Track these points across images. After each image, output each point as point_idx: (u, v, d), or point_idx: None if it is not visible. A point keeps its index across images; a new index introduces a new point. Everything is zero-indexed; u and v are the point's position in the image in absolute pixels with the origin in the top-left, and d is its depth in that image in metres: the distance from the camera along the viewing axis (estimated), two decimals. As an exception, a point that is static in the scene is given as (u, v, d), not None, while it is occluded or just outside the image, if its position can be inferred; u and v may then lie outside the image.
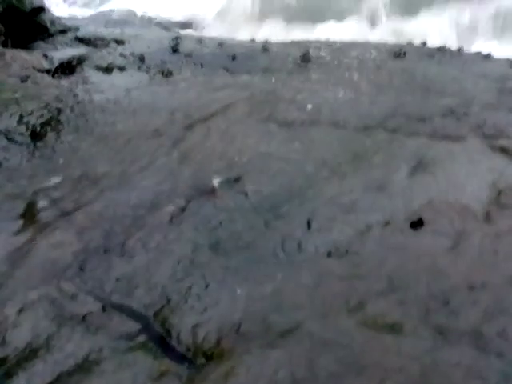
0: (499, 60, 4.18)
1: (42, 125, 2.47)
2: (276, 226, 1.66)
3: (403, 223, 1.60)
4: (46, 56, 3.71)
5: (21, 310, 1.35)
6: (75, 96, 2.88)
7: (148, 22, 6.57)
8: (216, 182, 1.87)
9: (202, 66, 3.86)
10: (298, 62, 3.80)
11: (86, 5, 8.20)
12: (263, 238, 1.60)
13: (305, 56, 3.89)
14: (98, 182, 1.91)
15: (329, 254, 1.51)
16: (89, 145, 2.24)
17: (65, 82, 3.31)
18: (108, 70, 3.75)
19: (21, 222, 1.67)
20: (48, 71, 3.45)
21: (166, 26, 6.21)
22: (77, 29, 4.85)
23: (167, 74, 3.53)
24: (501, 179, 1.74)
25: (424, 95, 3.16)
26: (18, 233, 1.62)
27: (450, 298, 1.33)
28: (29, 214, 1.72)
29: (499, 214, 1.60)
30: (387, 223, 1.60)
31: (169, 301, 1.39)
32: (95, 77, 3.56)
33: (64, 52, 4.00)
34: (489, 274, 1.40)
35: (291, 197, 1.79)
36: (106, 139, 2.27)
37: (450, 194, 1.69)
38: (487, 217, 1.59)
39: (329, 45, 4.53)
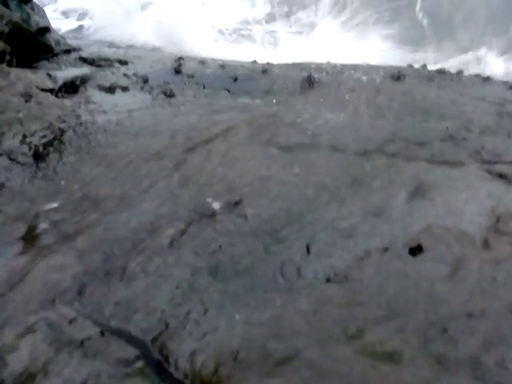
0: (498, 83, 4.24)
1: (45, 145, 2.50)
2: (275, 250, 1.66)
3: (402, 249, 1.60)
4: (49, 75, 3.76)
5: (19, 334, 1.35)
6: (78, 116, 2.91)
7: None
8: (216, 205, 1.89)
9: (204, 86, 3.91)
10: (299, 84, 3.85)
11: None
12: (262, 262, 1.60)
13: (305, 78, 3.94)
14: (99, 204, 1.92)
15: (328, 280, 1.51)
16: (90, 166, 2.26)
17: (68, 101, 3.36)
18: (111, 90, 3.81)
19: (21, 244, 1.68)
20: (52, 91, 3.49)
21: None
22: (81, 49, 4.94)
23: (170, 94, 3.58)
24: (499, 205, 1.75)
25: (424, 118, 3.20)
26: (18, 256, 1.63)
27: (448, 325, 1.33)
28: (29, 237, 1.73)
29: (498, 241, 1.60)
30: (386, 249, 1.61)
31: (167, 326, 1.38)
32: (98, 97, 3.61)
33: (68, 72, 4.06)
34: (487, 301, 1.40)
35: (291, 221, 1.80)
36: (108, 161, 2.29)
37: (449, 220, 1.70)
38: (486, 243, 1.60)
39: (329, 67, 4.60)
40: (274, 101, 3.52)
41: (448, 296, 1.42)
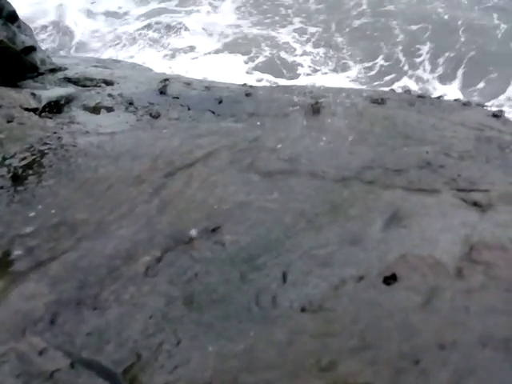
0: (477, 108, 4.33)
1: (24, 168, 2.48)
2: (252, 278, 1.66)
3: (377, 278, 1.61)
4: (34, 95, 3.75)
5: (-14, 366, 1.32)
6: (59, 138, 2.90)
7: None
8: (194, 231, 1.88)
9: (188, 108, 3.93)
10: (282, 107, 3.89)
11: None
12: (238, 291, 1.60)
13: (288, 101, 3.98)
14: (76, 230, 1.91)
15: (303, 310, 1.51)
16: (69, 190, 2.24)
17: (51, 122, 3.34)
18: (96, 110, 3.81)
19: (-6, 271, 1.66)
20: (35, 110, 3.48)
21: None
22: (67, 68, 4.95)
23: (155, 115, 3.59)
24: (473, 234, 1.77)
25: (404, 143, 3.25)
26: (-11, 284, 1.60)
27: (420, 357, 1.33)
28: (2, 263, 1.71)
29: (471, 270, 1.62)
30: (361, 278, 1.62)
31: (139, 357, 1.37)
32: (82, 117, 3.61)
33: (52, 91, 4.05)
34: (459, 332, 1.41)
35: (268, 248, 1.80)
36: (87, 185, 2.28)
37: (424, 249, 1.72)
38: (459, 272, 1.62)
39: (313, 90, 4.66)
40: (258, 123, 3.55)
41: (421, 326, 1.43)
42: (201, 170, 2.31)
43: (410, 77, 7.87)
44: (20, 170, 2.44)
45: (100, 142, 2.78)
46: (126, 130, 3.11)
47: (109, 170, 2.40)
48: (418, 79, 7.90)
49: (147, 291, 1.58)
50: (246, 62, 8.69)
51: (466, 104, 4.31)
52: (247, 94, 4.25)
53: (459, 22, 8.80)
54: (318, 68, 8.26)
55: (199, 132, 2.87)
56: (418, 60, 8.14)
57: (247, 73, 8.35)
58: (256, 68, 8.50)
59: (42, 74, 4.52)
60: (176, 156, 2.47)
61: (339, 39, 8.56)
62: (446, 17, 8.82)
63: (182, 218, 1.96)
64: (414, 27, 8.75)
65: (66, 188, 2.27)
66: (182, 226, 1.91)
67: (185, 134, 2.84)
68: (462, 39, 8.55)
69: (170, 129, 3.01)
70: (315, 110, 3.85)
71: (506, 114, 4.00)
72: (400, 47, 8.31)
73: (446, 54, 8.17)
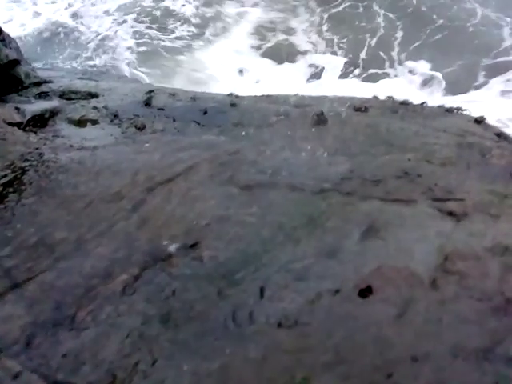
0: (460, 114, 4.38)
1: (4, 186, 2.47)
2: (229, 294, 1.67)
3: (352, 291, 1.62)
4: (17, 109, 3.74)
5: (-41, 392, 1.32)
6: (41, 154, 2.90)
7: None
8: (173, 248, 1.89)
9: (174, 119, 3.94)
10: (266, 116, 3.91)
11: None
12: (215, 307, 1.60)
13: (272, 111, 4.01)
14: (54, 249, 1.90)
15: (279, 325, 1.52)
16: (49, 208, 2.24)
17: (33, 137, 3.34)
18: (80, 123, 3.80)
19: (-30, 294, 1.65)
20: (19, 124, 3.47)
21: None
22: (52, 81, 4.94)
23: (140, 127, 3.60)
24: (447, 244, 1.79)
25: (386, 151, 3.29)
26: (-35, 307, 1.59)
27: (393, 370, 1.35)
28: (-21, 286, 1.70)
29: (445, 281, 1.64)
30: (337, 291, 1.63)
31: (115, 378, 1.37)
32: (67, 130, 3.61)
33: (37, 105, 4.04)
34: (432, 344, 1.42)
35: (246, 263, 1.81)
36: (67, 202, 2.28)
37: (399, 260, 1.74)
38: (433, 283, 1.64)
39: (298, 99, 4.69)
40: (243, 133, 3.58)
41: (394, 339, 1.44)
42: (181, 185, 2.32)
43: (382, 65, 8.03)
44: (0, 188, 2.43)
45: (81, 157, 2.78)
46: (108, 145, 3.12)
47: (89, 187, 2.41)
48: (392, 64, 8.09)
49: (124, 310, 1.59)
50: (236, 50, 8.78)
51: (449, 110, 4.36)
52: (232, 105, 4.27)
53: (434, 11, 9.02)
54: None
55: (181, 146, 2.88)
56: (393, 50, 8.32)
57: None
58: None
59: (27, 87, 4.52)
60: (156, 171, 2.48)
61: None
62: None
63: (160, 234, 1.97)
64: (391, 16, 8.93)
65: (45, 206, 2.27)
66: (161, 242, 1.92)
67: (166, 148, 2.84)
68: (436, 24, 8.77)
69: (151, 143, 3.02)
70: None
71: (487, 121, 4.05)
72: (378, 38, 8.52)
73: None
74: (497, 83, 8.08)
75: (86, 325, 1.54)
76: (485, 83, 8.14)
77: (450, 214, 1.97)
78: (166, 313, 1.57)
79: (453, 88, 7.97)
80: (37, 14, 9.80)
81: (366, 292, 1.62)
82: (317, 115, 3.70)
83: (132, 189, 2.33)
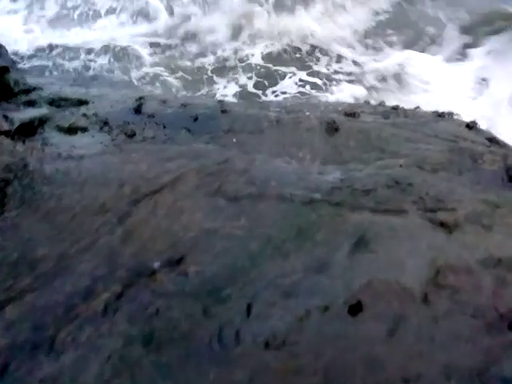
0: (451, 119, 4.36)
1: (-13, 199, 2.41)
2: (215, 312, 1.61)
3: (342, 308, 1.58)
4: (6, 117, 3.67)
5: None
6: (26, 165, 2.83)
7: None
8: (157, 263, 1.83)
9: (164, 126, 3.88)
10: (257, 123, 3.86)
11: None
12: (200, 327, 1.55)
13: (264, 117, 3.96)
14: (35, 266, 1.84)
15: (266, 345, 1.47)
16: (31, 222, 2.18)
17: (20, 146, 3.27)
18: (69, 130, 3.73)
19: None
20: (7, 133, 3.41)
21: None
22: (41, 88, 4.86)
23: (130, 135, 3.54)
24: (439, 257, 1.75)
25: (378, 157, 3.25)
26: None
27: (384, 393, 1.30)
28: (-44, 306, 1.64)
29: (437, 295, 1.60)
30: (326, 308, 1.58)
31: (94, 405, 1.31)
32: (56, 139, 3.54)
33: (26, 113, 3.97)
34: (424, 364, 1.38)
35: (233, 278, 1.76)
36: (50, 215, 2.22)
37: (390, 274, 1.69)
38: (425, 298, 1.59)
39: (289, 105, 4.66)
40: (234, 140, 3.53)
41: (385, 359, 1.40)
42: (167, 197, 2.27)
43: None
44: (-18, 201, 2.37)
45: (67, 168, 2.72)
46: (96, 154, 3.05)
47: (73, 199, 2.34)
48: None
49: (105, 331, 1.53)
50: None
51: (441, 115, 4.33)
52: (223, 111, 4.21)
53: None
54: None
55: (168, 155, 2.82)
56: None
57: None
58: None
59: (16, 94, 4.45)
60: (143, 181, 2.42)
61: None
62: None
63: (145, 248, 1.91)
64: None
65: (28, 219, 2.20)
66: (146, 257, 1.86)
67: (153, 158, 2.79)
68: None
69: (138, 152, 2.96)
70: (291, 125, 3.82)
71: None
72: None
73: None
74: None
75: (66, 347, 1.48)
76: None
77: (442, 224, 1.92)
78: (148, 333, 1.51)
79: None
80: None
81: (355, 308, 1.57)
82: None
83: (117, 201, 2.27)
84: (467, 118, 4.28)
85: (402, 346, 1.43)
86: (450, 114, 4.36)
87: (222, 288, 1.71)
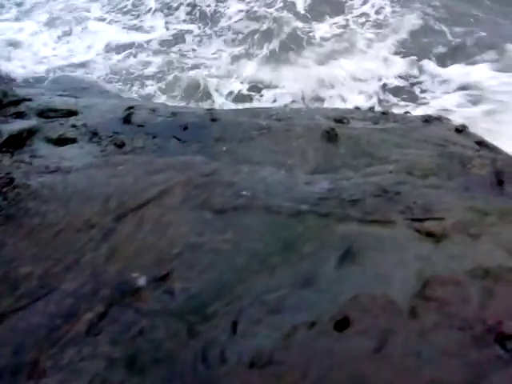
0: (440, 123, 4.36)
1: (-29, 216, 2.37)
2: (200, 331, 1.59)
3: (328, 323, 1.55)
4: (-6, 129, 3.64)
5: None
6: (12, 180, 2.80)
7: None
8: (142, 280, 1.81)
9: (154, 136, 3.86)
10: (247, 131, 3.85)
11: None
12: (184, 347, 1.52)
13: (254, 125, 3.95)
14: (18, 286, 1.81)
15: (251, 365, 1.45)
16: (16, 239, 2.15)
17: (7, 160, 3.24)
18: (58, 142, 3.70)
19: None
20: (-4, 146, 3.37)
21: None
22: (31, 99, 4.83)
23: (119, 145, 3.52)
24: (426, 268, 1.73)
25: (367, 163, 3.24)
26: None
27: (371, 412, 1.28)
28: None
29: (424, 309, 1.58)
30: (313, 324, 1.56)
31: (75, 432, 1.28)
32: (44, 151, 3.51)
33: (14, 124, 3.94)
34: (411, 380, 1.36)
35: (219, 295, 1.73)
36: (35, 232, 2.19)
37: (377, 287, 1.67)
38: (412, 312, 1.57)
39: (280, 111, 4.64)
40: (224, 148, 3.52)
41: (372, 377, 1.37)
42: (153, 211, 2.24)
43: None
44: (-34, 219, 2.33)
45: (52, 182, 2.69)
46: (83, 167, 3.02)
47: (58, 215, 2.31)
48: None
49: (87, 354, 1.50)
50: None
51: (430, 120, 4.33)
52: (213, 119, 4.19)
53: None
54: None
55: (155, 167, 2.80)
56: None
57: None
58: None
59: (5, 106, 4.42)
60: (129, 195, 2.40)
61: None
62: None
63: (130, 265, 1.89)
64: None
65: (12, 237, 2.17)
66: (130, 274, 1.84)
67: (140, 170, 2.76)
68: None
69: (126, 164, 2.93)
70: (281, 132, 3.81)
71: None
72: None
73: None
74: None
75: (46, 372, 1.45)
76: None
77: (429, 234, 1.91)
78: (131, 355, 1.49)
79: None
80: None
81: (342, 324, 1.55)
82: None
83: (103, 216, 2.24)
84: (456, 122, 4.29)
85: (389, 361, 1.41)
86: (439, 118, 4.37)
87: (207, 305, 1.69)
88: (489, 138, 4.27)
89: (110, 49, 9.48)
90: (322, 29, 9.14)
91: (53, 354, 1.50)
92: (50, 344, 1.54)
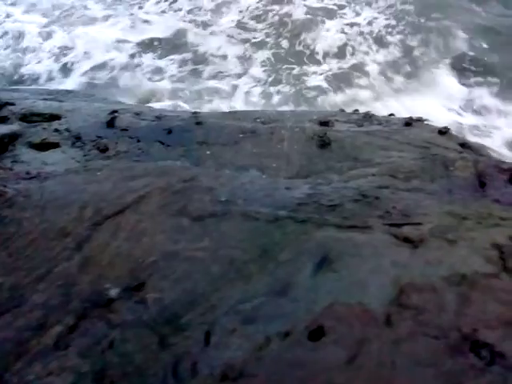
0: (424, 125, 4.36)
1: None
2: (172, 342, 1.55)
3: (303, 333, 1.53)
4: (-24, 136, 3.59)
5: None
6: (-12, 188, 2.74)
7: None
8: (115, 291, 1.77)
9: (138, 140, 3.82)
10: (231, 134, 3.83)
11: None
12: (155, 360, 1.49)
13: (238, 128, 3.93)
14: (-13, 298, 1.76)
15: (223, 377, 1.42)
16: (-12, 249, 2.09)
17: (-14, 167, 3.18)
18: (41, 147, 3.65)
19: None
20: (-23, 152, 3.32)
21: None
22: (13, 103, 4.76)
23: (102, 149, 3.49)
24: (403, 275, 1.71)
25: (351, 166, 3.23)
26: None
27: (342, 425, 1.25)
28: None
29: (399, 317, 1.56)
30: (287, 334, 1.53)
31: None
32: (26, 156, 3.46)
33: (-4, 129, 3.88)
34: (384, 392, 1.34)
35: (193, 304, 1.70)
36: (8, 241, 2.14)
37: (352, 295, 1.65)
38: (388, 320, 1.55)
39: (264, 115, 4.62)
40: (208, 152, 3.50)
41: (345, 388, 1.35)
42: (130, 218, 2.20)
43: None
44: None
45: (29, 190, 2.64)
46: (61, 173, 2.97)
47: (33, 223, 2.27)
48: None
49: (55, 368, 1.46)
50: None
51: (413, 122, 4.33)
52: (197, 123, 4.16)
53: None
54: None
55: (134, 173, 2.76)
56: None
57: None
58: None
59: (-12, 111, 4.35)
60: (106, 202, 2.35)
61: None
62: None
63: (103, 276, 1.85)
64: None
65: (-16, 246, 2.13)
66: (103, 285, 1.80)
67: (119, 176, 2.72)
68: None
69: (105, 170, 2.89)
70: (265, 136, 3.78)
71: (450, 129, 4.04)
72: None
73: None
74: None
75: (12, 388, 1.40)
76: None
77: (407, 240, 1.89)
78: (100, 369, 1.45)
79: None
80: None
81: (317, 333, 1.52)
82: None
83: (78, 224, 2.20)
84: (439, 124, 4.30)
85: (362, 372, 1.39)
86: (422, 120, 4.37)
87: (180, 316, 1.66)
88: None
89: (102, 48, 9.38)
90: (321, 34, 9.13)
91: (19, 368, 1.46)
92: (16, 358, 1.50)
